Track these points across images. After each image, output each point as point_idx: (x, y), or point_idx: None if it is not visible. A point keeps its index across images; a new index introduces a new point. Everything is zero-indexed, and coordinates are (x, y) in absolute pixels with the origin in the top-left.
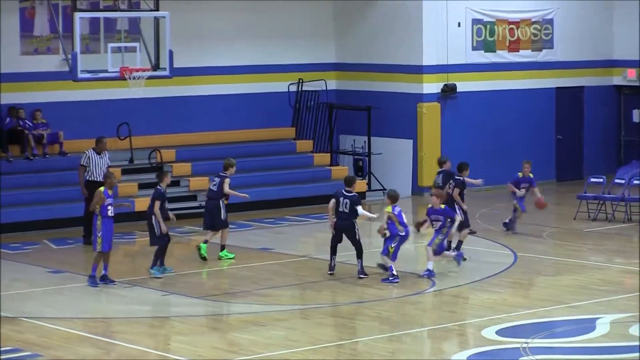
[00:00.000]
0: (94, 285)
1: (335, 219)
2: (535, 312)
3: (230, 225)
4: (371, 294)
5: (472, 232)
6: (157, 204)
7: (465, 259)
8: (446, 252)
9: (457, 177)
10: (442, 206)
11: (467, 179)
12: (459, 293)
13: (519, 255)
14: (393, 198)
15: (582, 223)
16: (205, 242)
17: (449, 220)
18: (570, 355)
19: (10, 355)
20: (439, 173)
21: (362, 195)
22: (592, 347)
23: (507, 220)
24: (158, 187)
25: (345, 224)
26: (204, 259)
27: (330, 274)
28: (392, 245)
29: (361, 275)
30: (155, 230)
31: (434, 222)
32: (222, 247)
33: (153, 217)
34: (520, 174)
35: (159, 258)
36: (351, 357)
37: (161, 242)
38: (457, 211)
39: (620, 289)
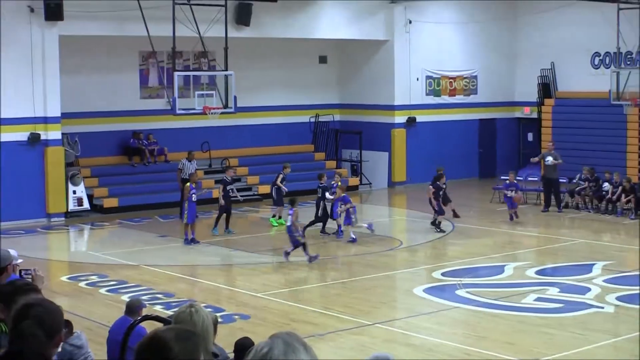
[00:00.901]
0: (187, 244)
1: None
2: (465, 261)
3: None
4: (361, 250)
5: (456, 216)
6: (221, 187)
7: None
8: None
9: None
10: None
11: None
12: (418, 249)
13: (455, 225)
14: (343, 189)
15: (495, 205)
16: (274, 216)
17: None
18: (488, 289)
19: (133, 289)
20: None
21: (355, 187)
22: (502, 283)
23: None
24: (224, 177)
25: (318, 201)
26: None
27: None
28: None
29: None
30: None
31: None
32: (279, 217)
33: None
34: (507, 181)
35: (217, 222)
36: (350, 290)
37: (220, 211)
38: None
39: (521, 247)
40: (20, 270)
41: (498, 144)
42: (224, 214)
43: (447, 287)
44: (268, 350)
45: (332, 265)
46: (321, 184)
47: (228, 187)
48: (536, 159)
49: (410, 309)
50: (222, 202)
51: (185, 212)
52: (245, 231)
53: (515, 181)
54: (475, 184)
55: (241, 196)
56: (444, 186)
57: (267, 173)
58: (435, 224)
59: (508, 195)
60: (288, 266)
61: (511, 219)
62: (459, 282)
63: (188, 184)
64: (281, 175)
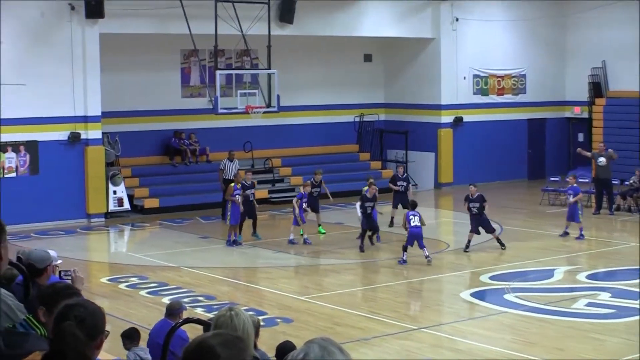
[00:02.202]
0: (229, 246)
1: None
2: (514, 264)
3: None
4: (408, 252)
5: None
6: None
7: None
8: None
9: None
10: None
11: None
12: (464, 252)
13: (504, 228)
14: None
15: (544, 207)
16: (319, 225)
17: None
18: (537, 293)
19: (173, 292)
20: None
21: None
22: (551, 287)
23: None
24: (242, 181)
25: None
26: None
27: None
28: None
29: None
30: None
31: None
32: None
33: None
34: (568, 184)
35: (240, 228)
36: (395, 294)
37: (241, 217)
38: None
39: (571, 250)
40: (60, 272)
41: (547, 144)
42: (246, 219)
43: (495, 291)
44: (304, 356)
45: (377, 268)
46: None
47: (247, 192)
48: (587, 153)
49: (457, 314)
50: (241, 207)
51: (228, 213)
52: (288, 233)
53: (576, 185)
54: (524, 185)
55: (284, 197)
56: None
57: (311, 174)
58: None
59: (571, 202)
60: (332, 268)
61: (565, 234)
62: (507, 286)
63: (232, 184)
64: (308, 182)
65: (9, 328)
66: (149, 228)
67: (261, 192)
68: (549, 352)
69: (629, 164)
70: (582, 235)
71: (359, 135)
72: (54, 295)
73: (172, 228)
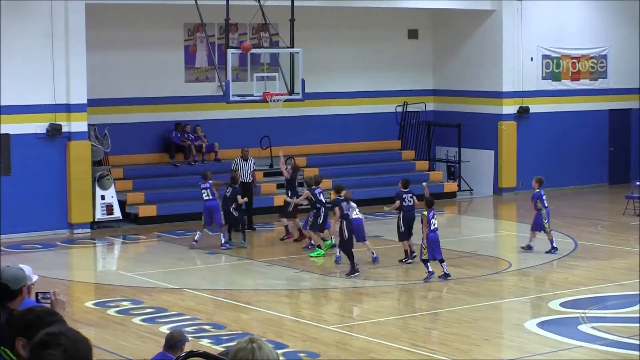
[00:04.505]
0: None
1: None
2: (591, 288)
3: None
4: (460, 272)
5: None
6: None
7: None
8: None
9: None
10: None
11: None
12: (530, 273)
13: (579, 243)
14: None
15: (629, 218)
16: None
17: None
18: (619, 324)
19: (174, 319)
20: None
21: (452, 194)
22: (636, 317)
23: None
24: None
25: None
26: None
27: None
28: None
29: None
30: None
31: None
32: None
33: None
34: None
35: (229, 233)
36: (444, 323)
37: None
38: None
39: None
40: (36, 293)
41: (633, 141)
42: (234, 224)
43: (567, 320)
44: None
45: (422, 292)
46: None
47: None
48: None
49: (521, 348)
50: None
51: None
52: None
53: None
54: (605, 191)
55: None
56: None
57: (342, 176)
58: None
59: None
60: (367, 292)
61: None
62: (582, 315)
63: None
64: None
65: None
66: (145, 241)
67: (280, 198)
68: None
69: None
70: None
71: (401, 129)
72: (36, 322)
73: (173, 241)
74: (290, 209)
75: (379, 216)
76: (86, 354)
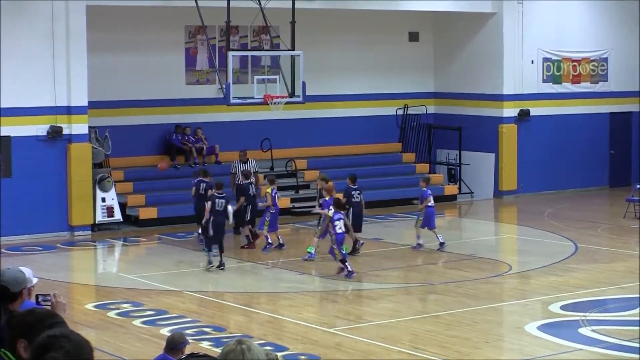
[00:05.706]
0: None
1: None
2: (591, 291)
3: None
4: (460, 275)
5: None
6: (209, 203)
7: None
8: None
9: None
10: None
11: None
12: (530, 275)
13: (579, 246)
14: (272, 181)
15: (630, 221)
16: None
17: None
18: (619, 327)
19: (175, 321)
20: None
21: (453, 197)
22: (637, 319)
23: None
24: (214, 191)
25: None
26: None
27: None
28: (267, 220)
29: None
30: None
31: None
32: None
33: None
34: None
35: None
36: (445, 326)
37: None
38: None
39: None
40: (37, 295)
41: (634, 144)
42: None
43: (567, 323)
44: None
45: (423, 295)
46: None
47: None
48: None
49: (522, 351)
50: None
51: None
52: (317, 251)
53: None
54: (605, 194)
55: (312, 207)
56: None
57: (343, 178)
58: None
59: None
60: (367, 294)
61: None
62: (582, 318)
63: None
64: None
65: None
66: (145, 243)
67: (283, 201)
68: None
69: None
70: None
71: (402, 132)
72: (37, 324)
73: (173, 243)
74: (248, 218)
75: (379, 219)
76: (87, 356)
